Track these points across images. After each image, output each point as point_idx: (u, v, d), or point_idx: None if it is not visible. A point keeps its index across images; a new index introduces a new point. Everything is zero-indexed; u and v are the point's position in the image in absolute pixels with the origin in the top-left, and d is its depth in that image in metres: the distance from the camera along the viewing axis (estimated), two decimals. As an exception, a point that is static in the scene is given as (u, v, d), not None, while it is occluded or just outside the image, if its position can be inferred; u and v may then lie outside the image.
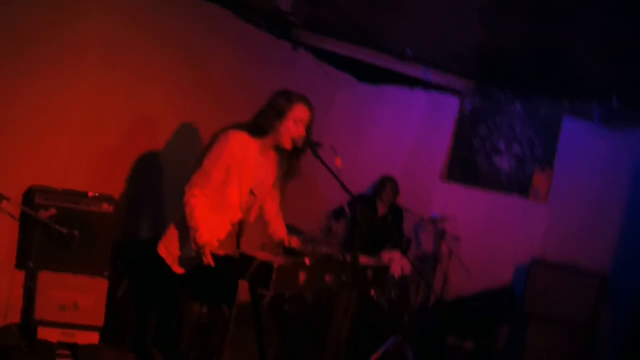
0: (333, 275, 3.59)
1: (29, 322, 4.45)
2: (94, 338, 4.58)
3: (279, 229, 4.25)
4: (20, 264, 4.51)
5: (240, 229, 4.12)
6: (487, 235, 7.60)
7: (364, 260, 3.98)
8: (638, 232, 6.80)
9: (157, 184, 5.75)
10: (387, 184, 7.23)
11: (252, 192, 3.99)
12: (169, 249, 3.96)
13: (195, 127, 5.69)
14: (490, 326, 7.18)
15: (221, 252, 3.55)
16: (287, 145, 3.87)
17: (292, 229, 6.60)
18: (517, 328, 6.90)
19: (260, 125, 3.86)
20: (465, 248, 7.40)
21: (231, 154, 3.79)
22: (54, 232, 4.29)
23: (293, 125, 3.83)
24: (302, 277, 3.35)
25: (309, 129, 3.92)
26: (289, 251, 3.69)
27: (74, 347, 4.52)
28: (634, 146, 6.92)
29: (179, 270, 3.91)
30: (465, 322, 7.21)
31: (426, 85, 7.85)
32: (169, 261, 3.94)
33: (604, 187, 7.02)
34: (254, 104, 4.00)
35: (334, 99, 8.14)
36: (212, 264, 3.50)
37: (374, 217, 7.13)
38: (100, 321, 4.59)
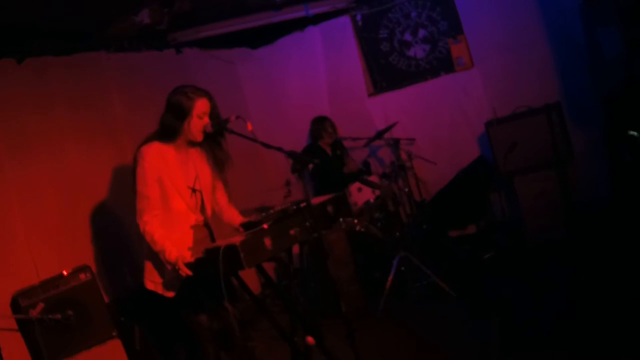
0: (296, 226, 3.98)
1: None
2: None
3: (233, 216, 4.55)
4: (38, 365, 4.99)
5: (209, 229, 4.48)
6: (438, 124, 8.15)
7: (318, 199, 4.38)
8: (566, 50, 7.36)
9: (117, 231, 6.16)
10: (323, 123, 7.62)
11: (193, 190, 4.32)
12: (153, 280, 4.33)
13: (118, 167, 6.11)
14: (480, 203, 7.67)
15: (192, 259, 3.90)
16: (198, 138, 4.21)
17: (263, 210, 7.10)
18: (505, 191, 7.42)
19: (167, 130, 4.15)
20: (423, 144, 8.02)
21: (152, 167, 4.10)
22: (51, 323, 4.77)
23: (198, 120, 4.14)
24: (268, 242, 3.74)
25: (214, 115, 4.22)
26: (248, 226, 4.05)
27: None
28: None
29: (169, 294, 4.31)
30: (457, 211, 7.69)
31: (314, 20, 8.29)
32: (158, 291, 4.32)
33: (517, 24, 7.55)
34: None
35: (238, 76, 8.65)
36: (189, 273, 3.90)
37: (326, 159, 7.56)
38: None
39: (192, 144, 4.30)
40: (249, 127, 3.98)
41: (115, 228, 6.13)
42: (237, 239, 3.67)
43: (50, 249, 5.55)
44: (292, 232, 3.98)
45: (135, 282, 5.66)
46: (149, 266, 4.36)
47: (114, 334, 5.11)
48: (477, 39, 7.85)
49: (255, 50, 8.76)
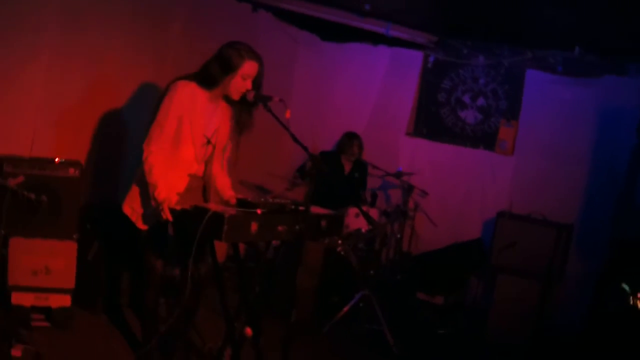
0: (286, 225, 3.95)
1: (3, 288, 4.88)
2: (66, 301, 5.04)
3: (225, 186, 4.51)
4: (-8, 232, 4.98)
5: (205, 182, 4.49)
6: (454, 188, 8.09)
7: (317, 210, 4.36)
8: (603, 180, 7.28)
9: (121, 146, 6.20)
10: (352, 140, 7.56)
11: (208, 142, 4.33)
12: (132, 206, 4.35)
13: (154, 89, 6.05)
14: (459, 280, 7.63)
15: (178, 207, 3.91)
16: (235, 97, 4.20)
17: (261, 189, 7.07)
18: (486, 281, 7.30)
19: (209, 76, 4.14)
20: (433, 202, 7.93)
21: (179, 103, 4.11)
22: (22, 199, 4.74)
23: (241, 80, 4.12)
24: (254, 226, 3.72)
25: (257, 83, 4.21)
26: (242, 203, 4.03)
27: (47, 311, 5.00)
28: (596, 94, 7.35)
29: (142, 226, 4.32)
30: (435, 277, 7.63)
31: (390, 41, 8.22)
32: (133, 218, 4.34)
33: (569, 137, 7.48)
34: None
35: (297, 59, 8.61)
36: (170, 218, 3.90)
37: (340, 173, 7.54)
38: (71, 284, 5.05)
39: (226, 98, 4.30)
40: (287, 114, 3.98)
41: (121, 142, 6.15)
42: (227, 211, 3.66)
43: (54, 131, 5.55)
44: (280, 228, 3.97)
45: (116, 200, 5.69)
46: (134, 192, 4.37)
47: (74, 236, 5.07)
48: (528, 132, 7.79)
49: (322, 41, 8.69)
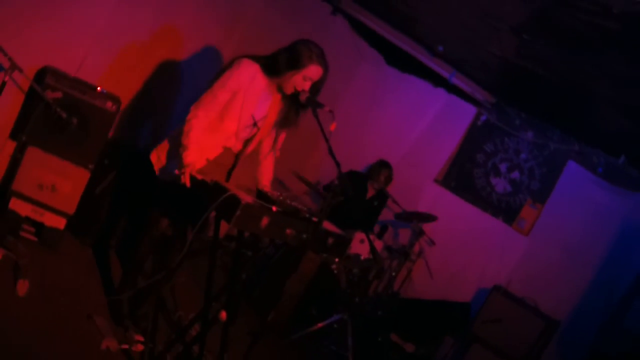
0: (294, 230, 3.82)
1: (4, 191, 4.77)
2: (60, 223, 4.93)
3: (265, 174, 4.49)
4: (14, 135, 4.85)
5: (235, 162, 4.43)
6: (461, 247, 7.93)
7: (329, 226, 4.24)
8: (602, 290, 7.14)
9: (168, 97, 6.10)
10: (383, 169, 7.42)
11: (255, 124, 4.27)
12: (159, 155, 4.28)
13: (217, 53, 5.98)
14: (435, 335, 7.46)
15: (199, 177, 3.82)
16: (288, 92, 4.15)
17: (281, 184, 6.95)
18: (461, 346, 7.21)
19: (274, 65, 4.10)
20: (437, 254, 7.77)
21: (239, 79, 4.06)
22: (53, 114, 4.61)
23: (301, 79, 4.07)
24: (265, 221, 3.61)
25: (315, 88, 4.15)
26: (261, 195, 3.94)
27: (39, 226, 4.89)
28: (628, 208, 7.21)
29: (161, 178, 4.23)
30: (413, 325, 7.47)
31: (449, 86, 8.10)
32: (156, 167, 4.26)
33: (586, 237, 7.32)
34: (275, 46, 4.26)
35: (357, 73, 8.46)
36: (188, 184, 3.81)
37: (362, 196, 7.41)
38: (71, 209, 4.93)
39: (280, 91, 4.23)
40: (332, 127, 3.88)
41: (168, 95, 6.06)
42: (245, 198, 3.54)
43: (105, 62, 5.43)
44: (288, 231, 3.84)
45: (145, 147, 5.60)
46: (165, 145, 4.31)
47: (90, 166, 4.94)
48: (549, 219, 7.64)
49: (386, 64, 8.52)
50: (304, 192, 7.45)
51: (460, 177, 8.24)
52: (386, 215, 7.88)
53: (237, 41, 6.27)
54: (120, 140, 5.69)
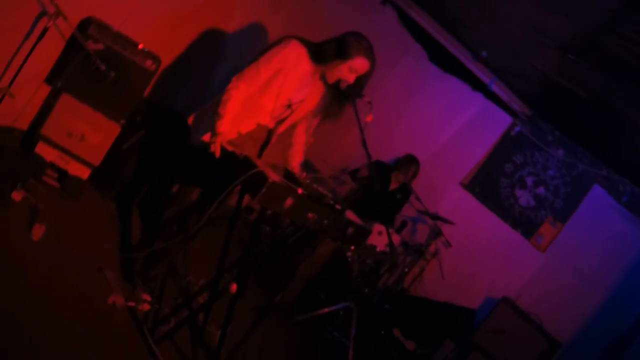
0: (317, 215, 3.75)
1: (33, 134, 4.72)
2: (84, 173, 4.86)
3: (296, 156, 4.43)
4: (50, 80, 4.77)
5: (267, 139, 4.34)
6: (476, 254, 7.80)
7: (351, 216, 4.16)
8: (609, 319, 7.00)
9: (209, 65, 6.00)
10: (412, 165, 7.30)
11: (289, 105, 4.18)
12: (196, 122, 4.22)
13: (262, 29, 5.89)
14: (437, 336, 7.35)
15: (230, 148, 3.76)
16: (330, 81, 4.07)
17: (308, 165, 6.87)
18: (460, 352, 7.10)
19: (321, 52, 4.03)
20: (451, 256, 7.65)
21: (285, 58, 3.98)
22: (92, 65, 4.54)
23: (347, 70, 3.99)
24: (289, 202, 3.53)
25: (360, 83, 4.07)
26: (289, 176, 3.87)
27: (63, 173, 4.81)
28: (647, 242, 7.05)
29: (194, 144, 4.15)
30: (418, 323, 7.36)
31: (487, 93, 7.95)
32: (192, 131, 4.20)
33: (601, 264, 7.19)
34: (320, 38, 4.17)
35: (399, 65, 8.27)
36: (217, 154, 3.74)
37: (385, 187, 7.27)
38: (97, 161, 4.87)
39: (323, 79, 4.15)
40: (369, 118, 3.88)
41: (210, 61, 5.96)
42: (272, 176, 3.46)
43: (149, 19, 5.30)
44: (310, 215, 3.76)
45: (180, 110, 5.53)
46: (202, 111, 4.25)
47: (121, 121, 4.87)
48: (567, 240, 7.51)
49: (428, 61, 8.33)
50: (329, 176, 7.34)
51: (486, 184, 8.09)
52: (407, 210, 7.76)
53: (282, 19, 6.17)
54: (155, 99, 5.58)
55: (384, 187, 7.28)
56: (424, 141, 8.18)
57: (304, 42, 4.06)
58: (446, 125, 8.29)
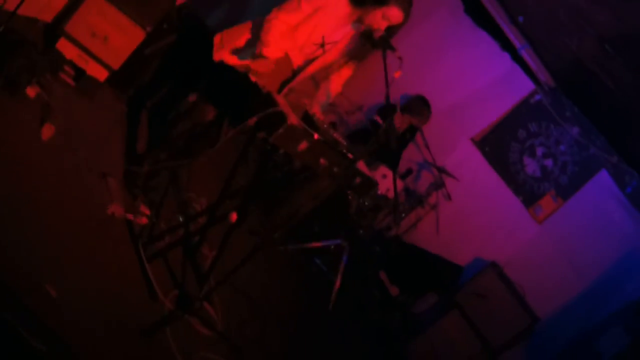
0: (327, 161, 3.66)
1: (56, 29, 4.52)
2: (102, 74, 4.68)
3: (321, 99, 4.33)
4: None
5: (291, 77, 4.19)
6: (473, 214, 7.70)
7: (361, 166, 4.05)
8: (587, 307, 6.94)
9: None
10: (424, 109, 7.18)
11: (322, 44, 4.04)
12: (223, 40, 4.04)
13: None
14: (421, 287, 7.31)
15: (253, 78, 3.67)
16: (364, 26, 3.97)
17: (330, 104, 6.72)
18: (440, 307, 7.06)
19: None
20: (448, 210, 7.60)
21: None
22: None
23: (380, 17, 3.88)
24: (303, 146, 3.41)
25: (390, 31, 3.96)
26: (307, 118, 3.75)
27: (80, 72, 4.63)
28: (640, 235, 6.94)
29: (217, 63, 4.01)
30: (404, 269, 7.31)
31: (515, 56, 7.72)
32: (216, 50, 4.04)
33: (593, 250, 7.09)
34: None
35: (433, 12, 8.04)
36: (253, 80, 3.68)
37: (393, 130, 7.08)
38: (117, 64, 4.68)
39: (359, 22, 4.02)
40: (397, 74, 3.81)
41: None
42: (292, 118, 3.32)
43: None
44: (322, 160, 3.64)
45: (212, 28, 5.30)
46: (232, 31, 4.09)
47: (147, 28, 4.64)
48: (565, 218, 7.42)
49: (464, 13, 8.07)
50: (347, 112, 7.20)
51: (496, 145, 7.92)
52: (413, 154, 7.65)
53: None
54: (188, 10, 5.38)
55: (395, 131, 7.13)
56: (444, 91, 7.95)
57: None
58: (469, 80, 8.06)
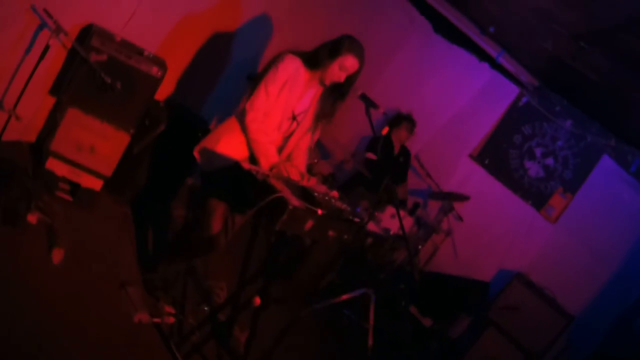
0: (336, 232, 3.56)
1: (41, 149, 4.50)
2: (97, 185, 4.67)
3: (300, 163, 4.19)
4: (54, 91, 4.55)
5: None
6: (488, 227, 7.57)
7: (372, 227, 3.97)
8: (618, 291, 6.83)
9: (217, 65, 5.81)
10: (401, 121, 7.08)
11: (295, 117, 4.03)
12: (205, 149, 3.99)
13: (268, 32, 5.67)
14: (452, 312, 7.19)
15: (246, 166, 3.58)
16: (327, 82, 3.98)
17: (320, 145, 6.66)
18: (475, 327, 6.95)
19: (315, 57, 3.94)
20: (463, 231, 7.46)
21: (286, 71, 3.87)
22: (97, 77, 4.28)
23: (337, 68, 3.91)
24: (310, 224, 3.34)
25: (350, 80, 3.99)
26: (305, 193, 3.66)
27: (75, 186, 4.60)
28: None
29: (208, 170, 4.00)
30: (432, 298, 7.21)
31: (494, 63, 7.63)
32: (202, 163, 4.01)
33: (611, 235, 6.98)
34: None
35: (406, 39, 8.02)
36: (246, 167, 3.59)
37: (390, 152, 7.09)
38: (109, 172, 4.66)
39: (322, 83, 4.04)
40: (384, 132, 3.77)
41: (215, 66, 5.78)
42: (293, 201, 3.23)
43: (153, 22, 5.02)
44: (330, 233, 3.57)
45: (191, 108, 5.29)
46: (212, 137, 4.03)
47: (131, 130, 4.64)
48: (577, 211, 7.28)
49: (434, 33, 7.98)
50: (339, 145, 7.14)
51: (495, 155, 7.81)
52: (417, 182, 7.56)
53: (285, 14, 5.92)
54: (168, 101, 5.39)
55: (389, 152, 7.08)
56: (432, 114, 7.90)
57: (297, 53, 3.98)
58: (454, 98, 7.98)
